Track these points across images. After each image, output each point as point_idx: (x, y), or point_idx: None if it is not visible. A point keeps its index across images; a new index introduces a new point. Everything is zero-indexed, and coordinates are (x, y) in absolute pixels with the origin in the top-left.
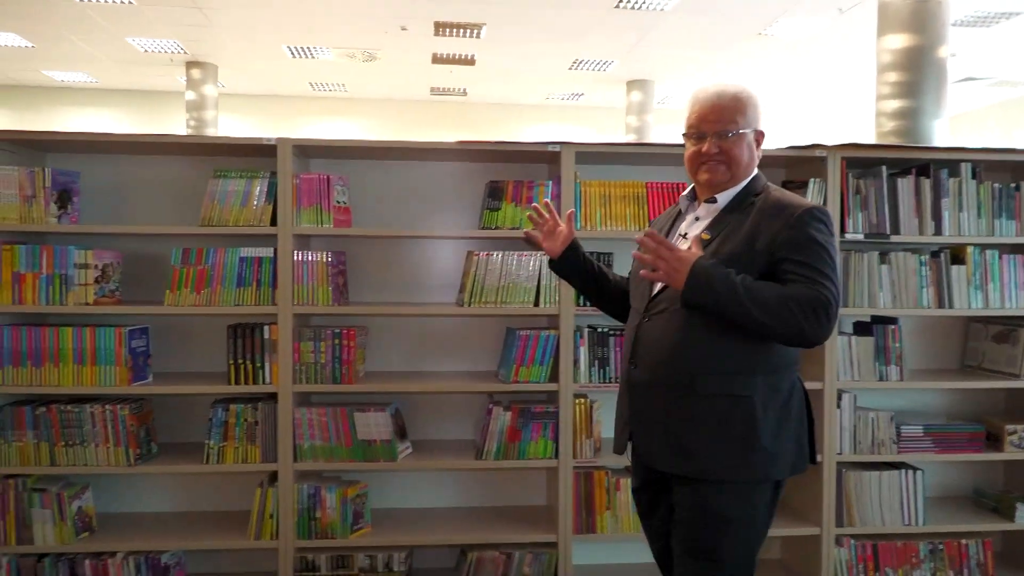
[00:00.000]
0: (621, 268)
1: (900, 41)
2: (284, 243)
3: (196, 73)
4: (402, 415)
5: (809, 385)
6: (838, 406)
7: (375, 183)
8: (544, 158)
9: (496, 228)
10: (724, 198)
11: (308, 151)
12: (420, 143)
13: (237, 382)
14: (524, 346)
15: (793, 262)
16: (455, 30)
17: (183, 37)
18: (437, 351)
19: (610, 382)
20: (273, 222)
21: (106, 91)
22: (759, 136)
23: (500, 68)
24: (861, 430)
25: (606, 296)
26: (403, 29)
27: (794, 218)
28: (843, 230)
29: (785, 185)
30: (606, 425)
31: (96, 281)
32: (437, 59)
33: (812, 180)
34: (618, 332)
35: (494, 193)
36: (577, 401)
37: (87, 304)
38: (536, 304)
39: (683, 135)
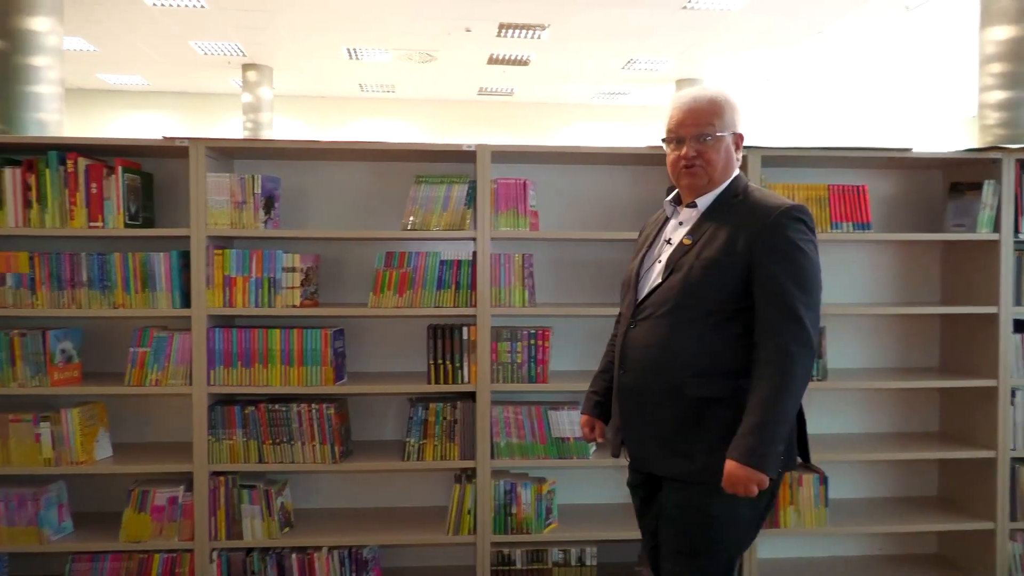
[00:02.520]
0: None
1: (1005, 32)
2: (483, 246)
3: (252, 75)
4: None
5: (982, 383)
6: (1012, 403)
7: (552, 186)
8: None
9: None
10: (704, 202)
11: (494, 156)
12: (607, 148)
13: (437, 381)
14: None
15: (767, 280)
16: (517, 31)
17: (245, 40)
18: (598, 348)
19: None
20: (472, 226)
21: (158, 93)
22: (738, 139)
23: (553, 68)
24: None
25: None
26: (467, 31)
27: (771, 219)
28: (1017, 230)
29: (954, 187)
30: None
31: (301, 284)
32: (493, 60)
33: (986, 182)
34: None
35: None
36: None
37: (294, 306)
38: None
39: (662, 140)
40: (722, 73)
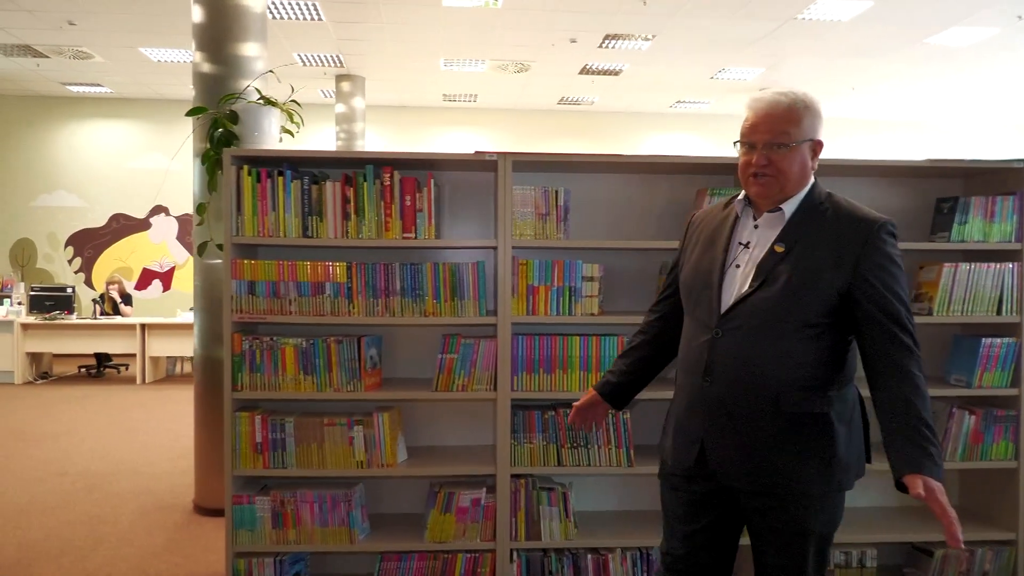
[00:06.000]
0: None
1: None
2: None
3: (346, 86)
4: None
5: None
6: None
7: None
8: (953, 173)
9: (963, 241)
10: (790, 207)
11: None
12: (863, 161)
13: None
14: (987, 353)
15: (880, 295)
16: (619, 41)
17: (345, 51)
18: None
19: None
20: None
21: None
22: (817, 146)
23: (643, 78)
24: None
25: (660, 356)
26: (572, 41)
27: (872, 233)
28: None
29: None
30: None
31: (597, 293)
32: (585, 71)
33: None
34: None
35: (963, 208)
36: None
37: (593, 315)
38: (999, 312)
39: (735, 143)
40: (809, 81)
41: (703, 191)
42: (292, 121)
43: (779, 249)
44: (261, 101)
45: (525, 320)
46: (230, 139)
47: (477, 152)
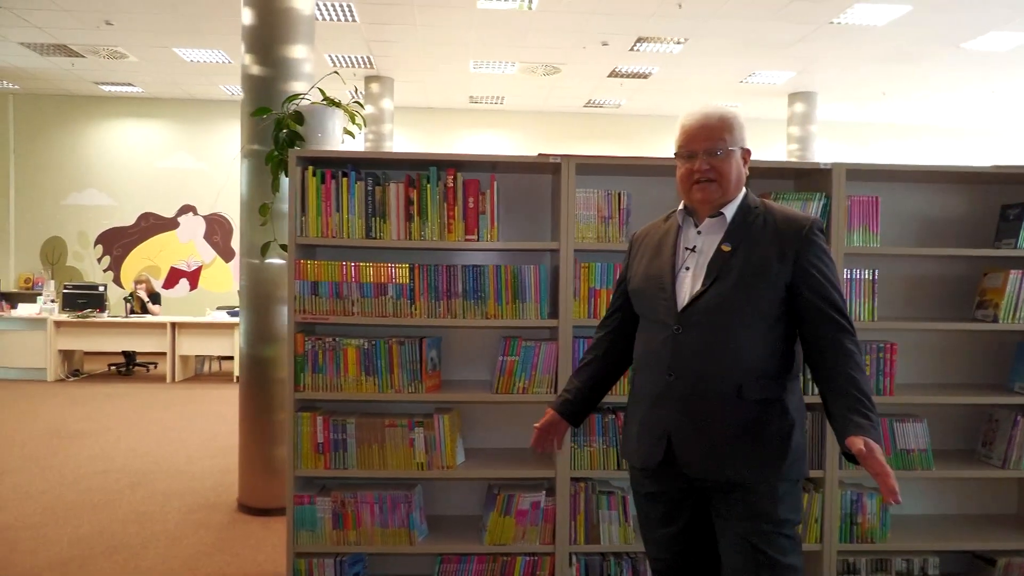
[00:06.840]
0: None
1: None
2: (836, 261)
3: (375, 87)
4: None
5: None
6: None
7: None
8: (1017, 180)
9: None
10: (729, 211)
11: (853, 174)
12: (926, 167)
13: None
14: None
15: (820, 284)
16: (650, 44)
17: (376, 52)
18: (940, 363)
19: None
20: None
21: None
22: (746, 154)
23: (671, 82)
24: None
25: (613, 371)
26: (604, 44)
27: (807, 229)
28: None
29: None
30: None
31: None
32: (614, 74)
33: None
34: None
35: None
36: None
37: None
38: None
39: (674, 155)
40: (840, 85)
41: (766, 194)
42: (354, 122)
43: (726, 248)
44: (324, 102)
45: (587, 323)
46: (294, 140)
47: (540, 154)
